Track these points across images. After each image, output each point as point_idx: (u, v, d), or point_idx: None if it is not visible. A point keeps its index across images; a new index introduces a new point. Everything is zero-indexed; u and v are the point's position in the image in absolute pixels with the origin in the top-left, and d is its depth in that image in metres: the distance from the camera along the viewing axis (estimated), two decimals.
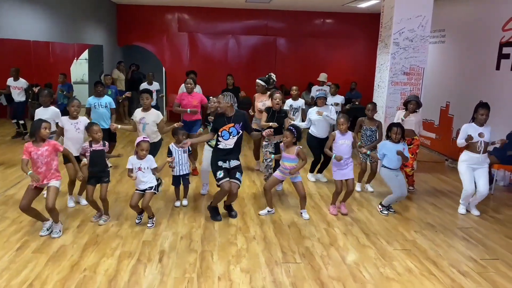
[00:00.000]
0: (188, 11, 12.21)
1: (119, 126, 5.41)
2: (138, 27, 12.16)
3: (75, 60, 10.72)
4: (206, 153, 5.34)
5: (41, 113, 5.17)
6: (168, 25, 12.27)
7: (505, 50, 6.81)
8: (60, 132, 4.98)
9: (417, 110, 5.91)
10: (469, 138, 4.90)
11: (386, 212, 5.12)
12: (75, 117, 4.89)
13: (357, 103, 10.73)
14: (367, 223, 4.85)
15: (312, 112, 6.09)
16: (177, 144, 4.99)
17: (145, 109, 5.25)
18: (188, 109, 6.15)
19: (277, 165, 5.43)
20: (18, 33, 8.24)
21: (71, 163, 4.51)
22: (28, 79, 8.49)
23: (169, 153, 5.00)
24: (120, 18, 12.21)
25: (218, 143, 4.64)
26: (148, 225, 4.52)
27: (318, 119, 6.02)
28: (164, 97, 11.88)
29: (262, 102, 6.66)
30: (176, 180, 5.11)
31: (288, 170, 4.82)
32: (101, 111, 6.16)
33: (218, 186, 4.67)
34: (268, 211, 5.01)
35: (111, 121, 6.18)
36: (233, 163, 4.67)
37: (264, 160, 5.79)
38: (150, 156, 4.56)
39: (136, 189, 4.52)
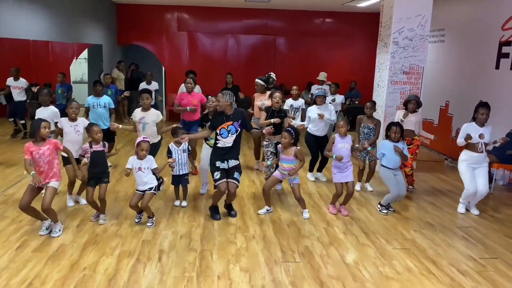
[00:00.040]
0: (187, 11, 12.21)
1: (120, 126, 5.40)
2: (138, 26, 12.16)
3: (74, 60, 10.72)
4: (204, 151, 5.34)
5: (41, 112, 5.17)
6: (168, 25, 12.27)
7: (505, 49, 6.81)
8: (58, 132, 4.97)
9: (417, 110, 5.92)
10: (468, 137, 4.91)
11: (385, 211, 5.12)
12: (74, 119, 4.89)
13: (356, 102, 10.74)
14: (366, 222, 4.85)
15: (311, 110, 6.09)
16: (177, 144, 4.99)
17: (145, 109, 5.25)
18: (188, 107, 6.17)
19: (277, 165, 5.43)
20: (17, 33, 8.23)
21: (71, 165, 4.51)
22: (27, 78, 8.45)
23: (169, 153, 5.00)
24: (120, 18, 12.21)
25: (217, 141, 4.64)
26: (148, 224, 4.52)
27: (316, 117, 6.02)
28: (163, 101, 11.84)
29: (261, 101, 6.66)
30: (176, 179, 5.11)
31: (287, 172, 4.82)
32: (100, 111, 6.15)
33: (215, 187, 4.68)
34: (267, 209, 5.01)
35: (111, 120, 6.16)
36: (232, 162, 4.66)
37: (266, 159, 5.79)
38: (150, 157, 4.55)
39: (137, 190, 4.53)
